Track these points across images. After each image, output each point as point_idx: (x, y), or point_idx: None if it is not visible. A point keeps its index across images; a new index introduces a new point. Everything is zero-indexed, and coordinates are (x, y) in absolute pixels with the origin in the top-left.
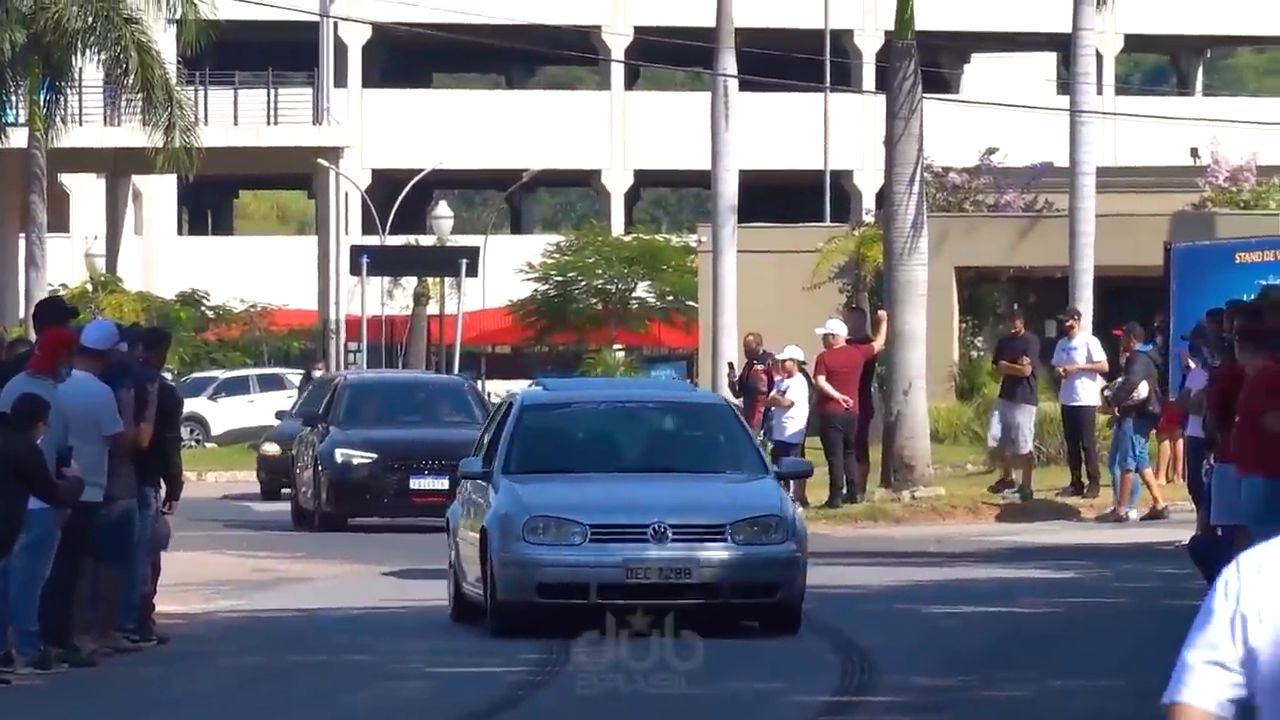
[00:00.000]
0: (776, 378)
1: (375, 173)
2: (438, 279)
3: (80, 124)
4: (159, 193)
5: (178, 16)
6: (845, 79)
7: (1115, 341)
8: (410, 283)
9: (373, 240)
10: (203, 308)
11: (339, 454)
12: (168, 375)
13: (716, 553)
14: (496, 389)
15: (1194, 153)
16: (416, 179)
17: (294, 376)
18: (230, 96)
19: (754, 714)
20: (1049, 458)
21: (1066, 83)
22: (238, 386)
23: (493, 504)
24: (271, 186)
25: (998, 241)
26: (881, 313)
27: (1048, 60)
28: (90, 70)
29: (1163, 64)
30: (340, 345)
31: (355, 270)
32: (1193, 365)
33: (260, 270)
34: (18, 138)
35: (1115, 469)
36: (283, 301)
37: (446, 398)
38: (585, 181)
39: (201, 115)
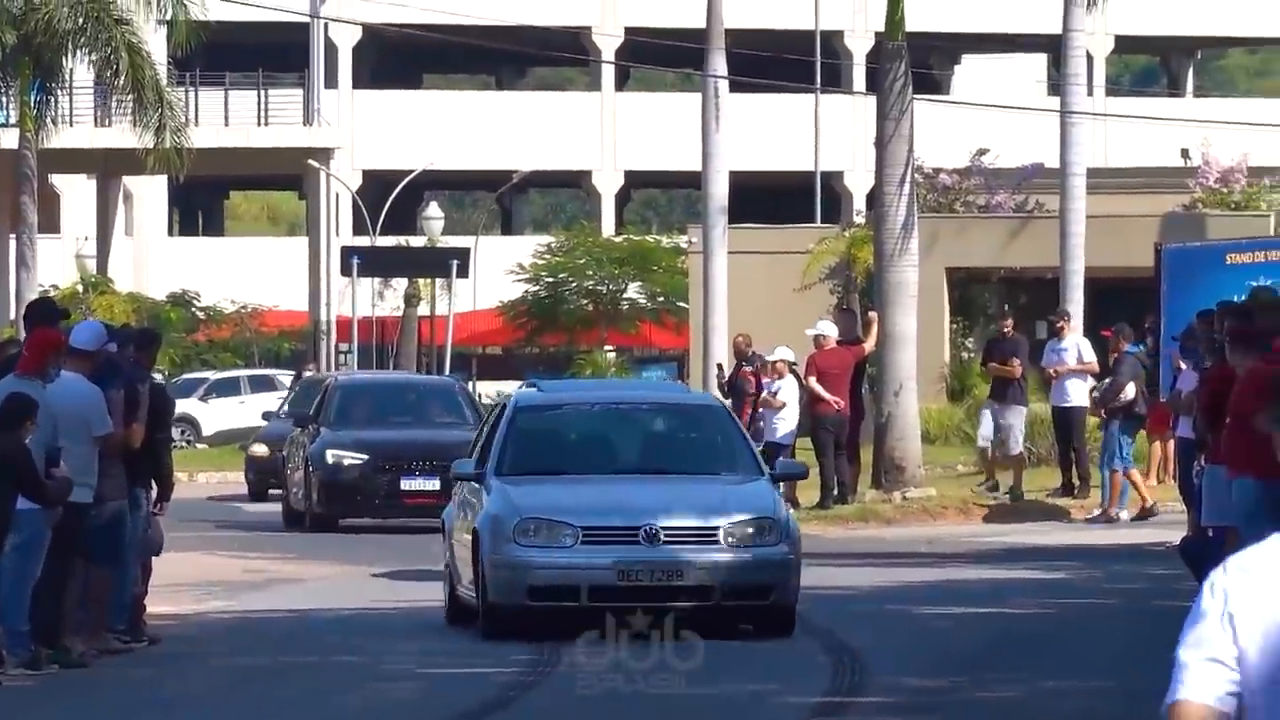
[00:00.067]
0: (768, 379)
1: (366, 174)
2: (428, 280)
3: (71, 125)
4: (149, 193)
5: (168, 17)
6: (836, 80)
7: (1104, 342)
8: (401, 284)
9: (363, 241)
10: (193, 309)
11: (330, 455)
12: (158, 376)
13: (709, 555)
14: (487, 390)
15: (1184, 154)
16: (407, 180)
17: (285, 377)
18: (221, 97)
19: (746, 715)
20: (1040, 459)
21: (1057, 84)
22: (228, 387)
23: (484, 506)
24: (262, 187)
25: (988, 242)
26: (872, 314)
27: (1038, 61)
28: (81, 71)
29: (1153, 65)
30: (331, 346)
31: (346, 271)
32: (1184, 366)
33: (251, 271)
34: (8, 138)
35: (1105, 470)
36: (273, 302)
37: (437, 399)
38: (576, 182)
39: (192, 116)
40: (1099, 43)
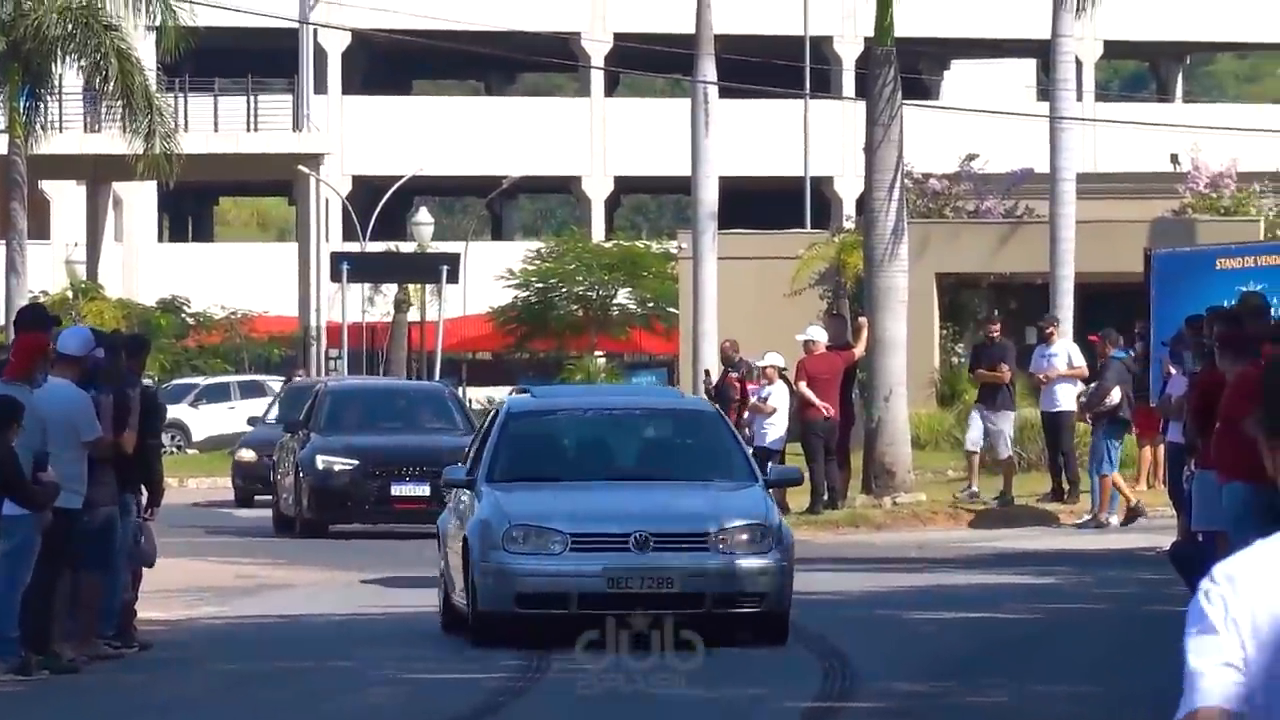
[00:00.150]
0: (759, 384)
1: (355, 179)
2: (418, 285)
3: (60, 131)
4: (139, 199)
5: (157, 23)
6: (825, 85)
7: (1091, 347)
8: (391, 289)
9: (353, 247)
10: (183, 314)
11: (320, 461)
12: (148, 381)
13: (700, 562)
14: (478, 396)
15: (1174, 159)
16: (397, 185)
17: (275, 383)
18: (210, 103)
19: None
20: (1030, 463)
21: (1046, 89)
22: (218, 393)
23: (475, 512)
24: (252, 193)
25: (978, 248)
26: (862, 319)
27: (1028, 67)
28: (70, 77)
29: (1142, 70)
30: (321, 352)
31: (336, 277)
32: (1174, 371)
33: (241, 277)
34: None
35: (1095, 475)
36: (263, 308)
37: (427, 404)
38: (565, 188)
39: (182, 122)
40: (1088, 48)
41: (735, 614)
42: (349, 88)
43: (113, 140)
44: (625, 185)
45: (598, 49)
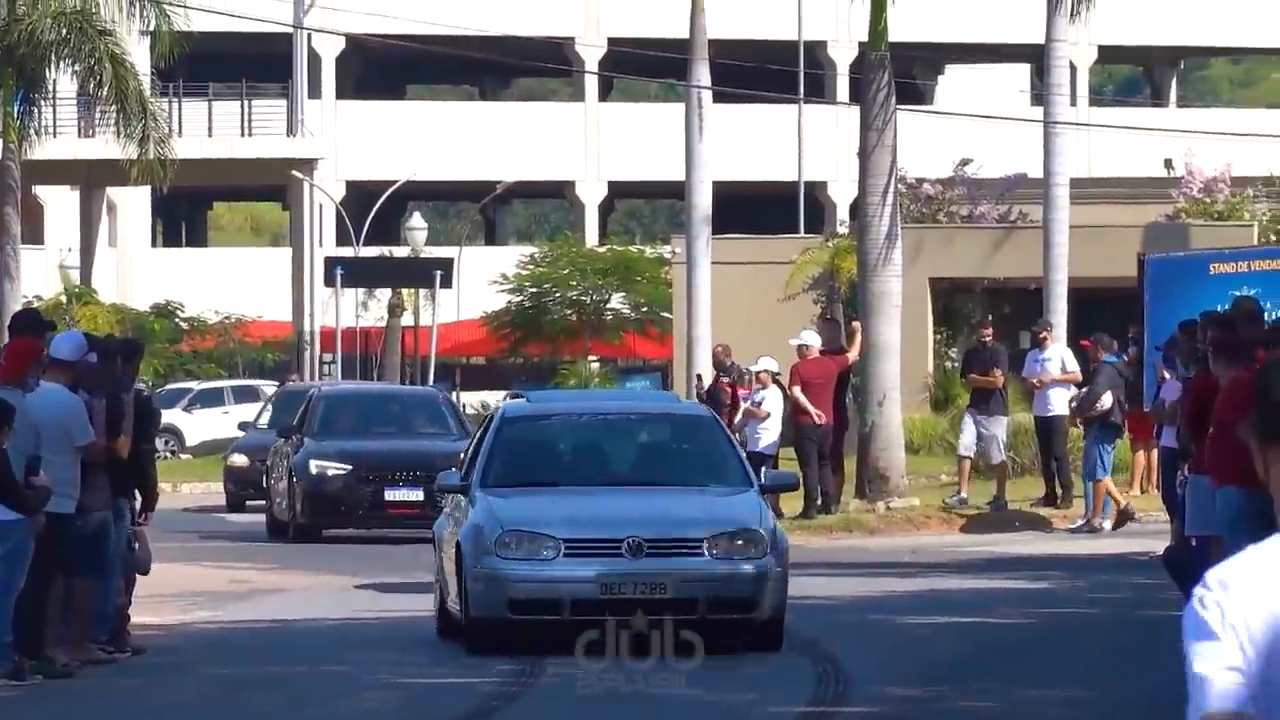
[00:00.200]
0: (753, 388)
1: (349, 184)
2: (412, 290)
3: (54, 136)
4: (133, 204)
5: (151, 28)
6: (819, 90)
7: (1083, 352)
8: (385, 294)
9: (347, 252)
10: (177, 319)
11: (314, 465)
12: (142, 386)
13: (693, 567)
14: (472, 400)
15: (1168, 164)
16: (391, 190)
17: (268, 388)
18: (204, 108)
19: None
20: (1023, 468)
21: (1040, 94)
22: (212, 398)
23: (468, 518)
24: (246, 198)
25: (972, 253)
26: (856, 324)
27: (1022, 71)
28: (64, 82)
29: (1136, 75)
30: (315, 357)
31: (330, 282)
32: (1168, 376)
33: (234, 282)
34: None
35: (1088, 480)
36: (257, 313)
37: (421, 409)
38: (559, 193)
39: (175, 127)
40: (1082, 53)
41: (729, 620)
42: (343, 92)
43: (107, 145)
44: (619, 190)
45: (592, 54)
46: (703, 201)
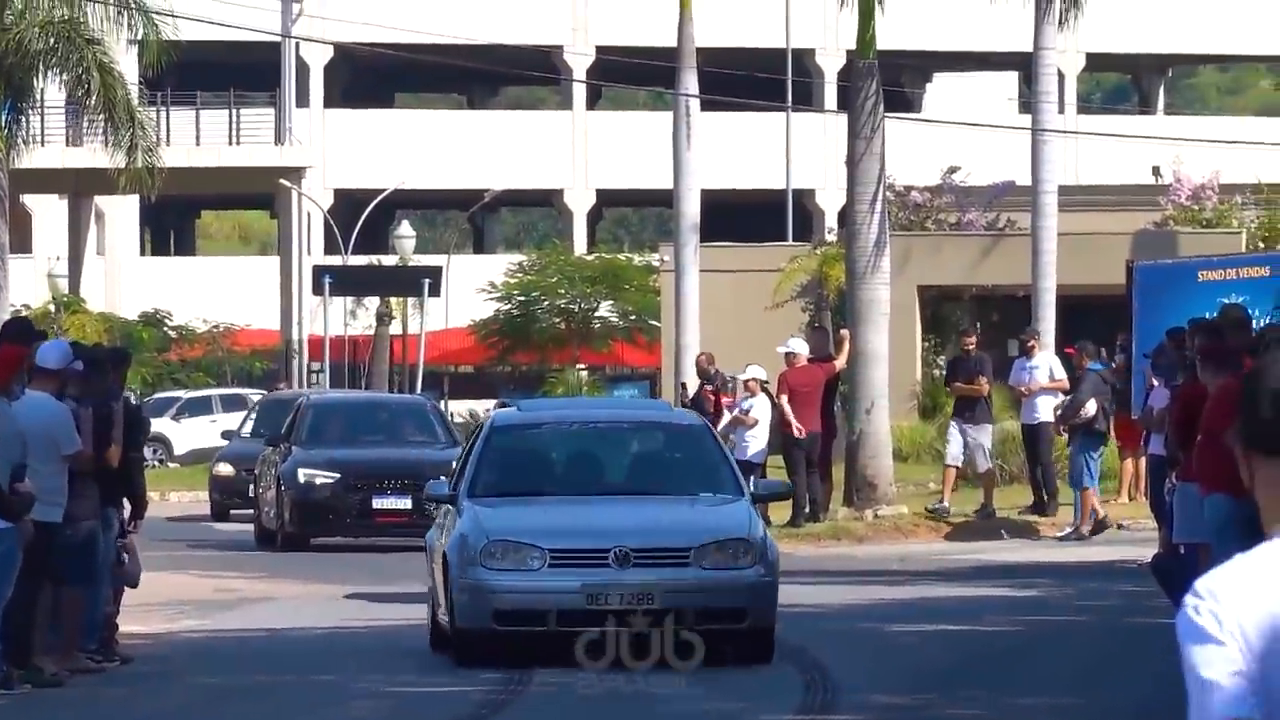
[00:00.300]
0: (733, 397)
1: (337, 193)
2: (400, 299)
3: (42, 145)
4: (121, 213)
5: (139, 37)
6: (807, 98)
7: (1068, 360)
8: (373, 303)
9: (335, 260)
10: (165, 328)
11: (302, 474)
12: (130, 395)
13: (681, 577)
14: (460, 409)
15: (1156, 171)
16: (379, 199)
17: (256, 397)
18: (192, 117)
19: None
20: (1011, 476)
21: (1028, 101)
22: (200, 407)
23: (455, 528)
24: (234, 207)
25: (960, 260)
26: (844, 332)
27: (1010, 79)
28: (52, 91)
29: (1124, 83)
30: (303, 365)
31: (318, 290)
32: (1156, 383)
33: (223, 290)
34: None
35: (1076, 488)
36: (245, 322)
37: (409, 418)
38: (547, 201)
39: (164, 136)
40: (1070, 60)
41: (718, 630)
42: (331, 101)
43: (94, 154)
44: (607, 198)
45: (580, 62)
46: (691, 209)
